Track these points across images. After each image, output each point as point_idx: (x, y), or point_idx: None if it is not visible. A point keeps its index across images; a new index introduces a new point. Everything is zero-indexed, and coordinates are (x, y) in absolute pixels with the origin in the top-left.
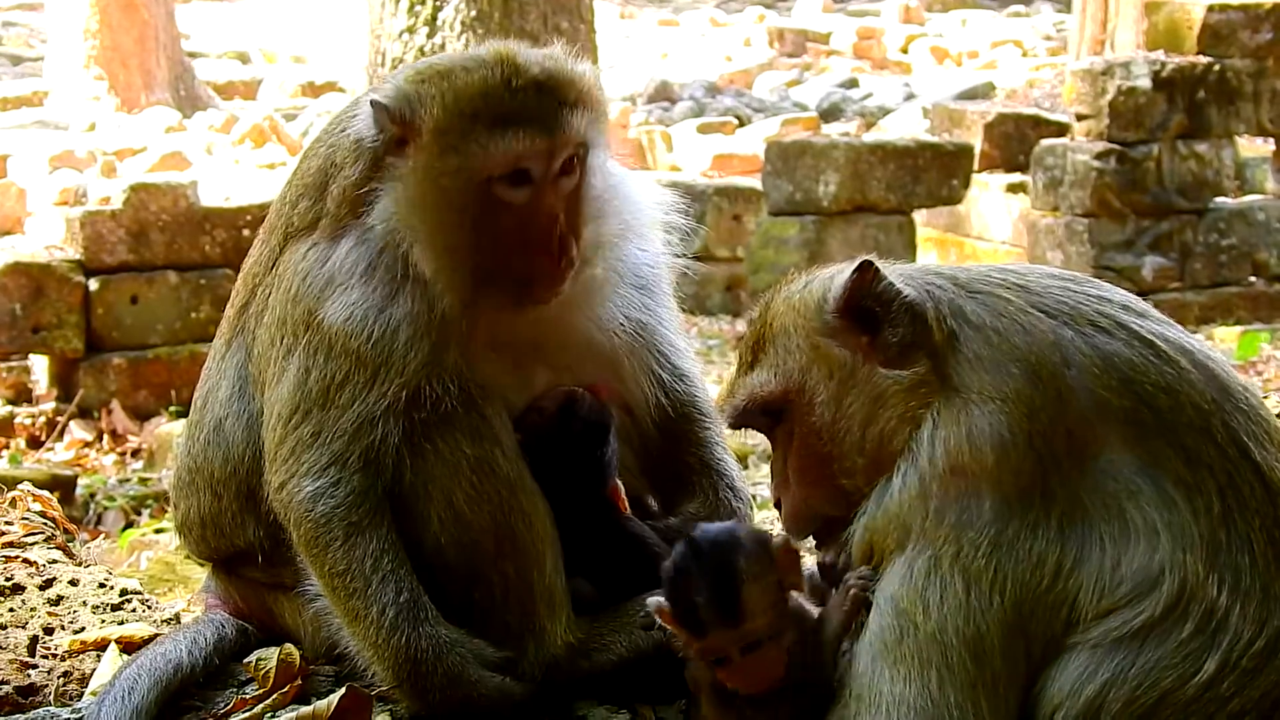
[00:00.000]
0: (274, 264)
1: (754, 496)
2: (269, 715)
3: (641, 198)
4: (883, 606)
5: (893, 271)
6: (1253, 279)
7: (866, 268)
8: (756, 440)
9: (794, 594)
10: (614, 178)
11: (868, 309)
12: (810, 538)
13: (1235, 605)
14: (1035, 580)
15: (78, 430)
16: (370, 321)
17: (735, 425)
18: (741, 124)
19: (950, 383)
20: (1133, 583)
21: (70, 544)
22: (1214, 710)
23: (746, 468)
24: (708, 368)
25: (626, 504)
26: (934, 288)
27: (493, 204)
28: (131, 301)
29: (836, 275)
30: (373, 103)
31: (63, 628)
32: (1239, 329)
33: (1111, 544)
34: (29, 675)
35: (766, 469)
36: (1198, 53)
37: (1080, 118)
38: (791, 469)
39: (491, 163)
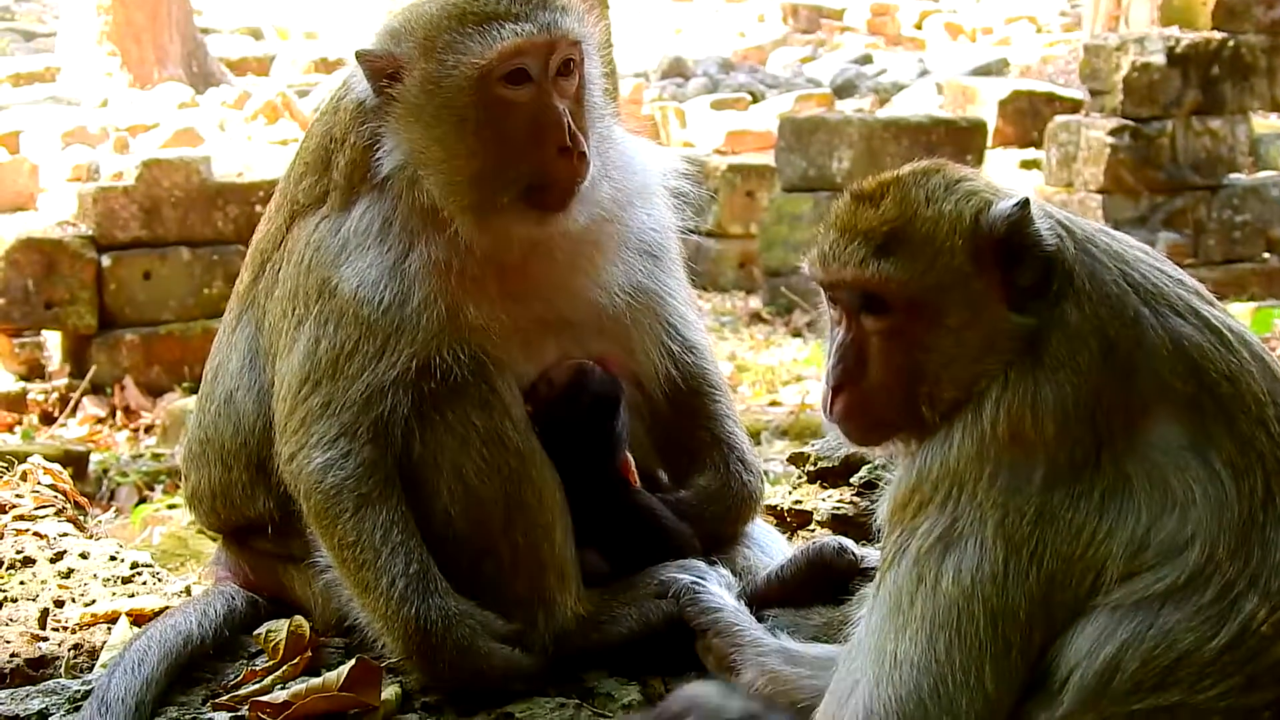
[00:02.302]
0: (282, 241)
1: (766, 473)
2: (279, 687)
3: (648, 163)
4: (906, 562)
5: (1037, 210)
6: (1266, 255)
7: (1027, 205)
8: (770, 417)
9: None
10: (621, 141)
11: (1016, 246)
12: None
13: (1261, 576)
14: (1070, 550)
15: (90, 406)
16: (383, 285)
17: (833, 286)
18: (755, 100)
19: (1032, 339)
20: (1159, 549)
21: (82, 518)
22: (1231, 672)
23: (759, 444)
24: (720, 344)
25: (636, 477)
26: (1061, 239)
27: (496, 106)
28: (144, 277)
29: (996, 202)
30: (356, 54)
31: (73, 600)
32: (1252, 305)
33: (1147, 512)
34: (40, 647)
35: (779, 445)
36: (1212, 29)
37: (1094, 94)
38: (875, 362)
39: (487, 56)
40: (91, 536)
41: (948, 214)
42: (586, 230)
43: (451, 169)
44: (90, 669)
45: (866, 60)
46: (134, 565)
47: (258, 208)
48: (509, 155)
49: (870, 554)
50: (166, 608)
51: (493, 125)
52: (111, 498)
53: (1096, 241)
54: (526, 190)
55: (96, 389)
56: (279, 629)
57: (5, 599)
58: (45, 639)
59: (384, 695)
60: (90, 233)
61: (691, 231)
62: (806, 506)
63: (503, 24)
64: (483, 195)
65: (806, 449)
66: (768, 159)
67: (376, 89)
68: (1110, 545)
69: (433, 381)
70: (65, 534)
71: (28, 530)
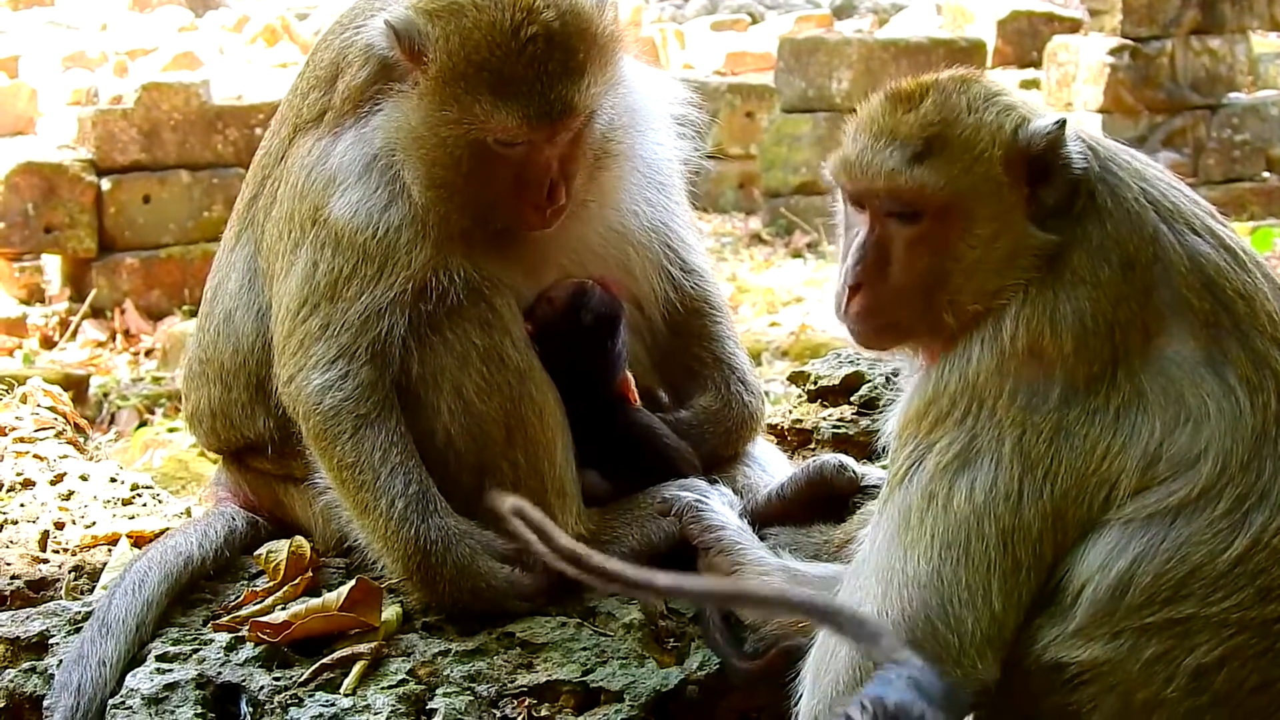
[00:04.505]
0: (283, 156)
1: (766, 393)
2: (279, 608)
3: (654, 94)
4: (919, 478)
5: (1070, 132)
6: (1266, 174)
7: (1064, 125)
8: (771, 337)
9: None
10: (626, 81)
11: (1048, 163)
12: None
13: (1272, 490)
14: (1084, 466)
15: (91, 330)
16: (375, 219)
17: (863, 195)
18: (754, 21)
19: (1053, 256)
20: (1172, 462)
21: (82, 440)
22: (1243, 584)
23: (760, 364)
24: (720, 265)
25: (636, 396)
26: (1088, 161)
27: (488, 156)
28: (144, 201)
29: (1035, 118)
30: (386, 23)
31: (74, 522)
32: (1252, 224)
33: (1161, 426)
34: (40, 569)
35: (780, 366)
36: None
37: (1093, 13)
38: (899, 265)
39: (490, 131)
40: (91, 459)
41: (989, 124)
42: (594, 164)
43: (438, 196)
44: (91, 591)
45: None
46: (134, 487)
47: (257, 131)
48: (490, 199)
49: (870, 471)
50: (167, 529)
51: (481, 171)
52: (112, 421)
53: (1119, 160)
54: (502, 222)
55: (96, 313)
56: (279, 550)
57: (5, 521)
58: (46, 561)
59: (384, 615)
60: (90, 156)
61: (696, 158)
62: (807, 425)
63: (518, 105)
64: (458, 219)
65: (807, 368)
66: (767, 80)
67: (392, 62)
68: (1124, 460)
69: (430, 302)
70: (65, 456)
71: (28, 453)
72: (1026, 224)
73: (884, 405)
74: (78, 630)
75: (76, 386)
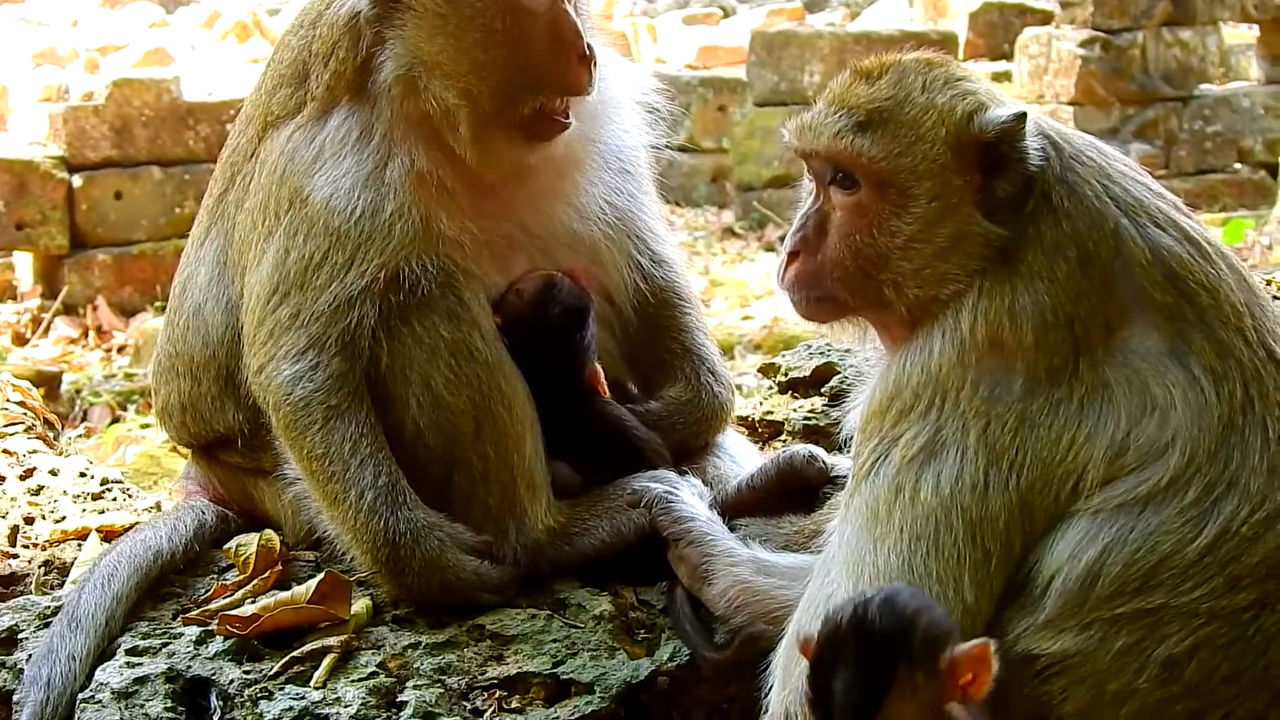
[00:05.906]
0: (254, 152)
1: (739, 386)
2: (249, 601)
3: (622, 80)
4: (886, 471)
5: (1032, 128)
6: (1237, 166)
7: (1023, 119)
8: (743, 331)
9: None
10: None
11: (1001, 154)
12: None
13: (1240, 479)
14: (1050, 456)
15: (63, 327)
16: (356, 194)
17: (808, 155)
18: (726, 15)
19: (1007, 252)
20: (1139, 452)
21: (52, 435)
22: (1213, 573)
23: (732, 358)
24: (693, 259)
25: (605, 388)
26: (1048, 160)
27: (520, 16)
28: (115, 197)
29: (994, 107)
30: None
31: (43, 517)
32: (1223, 216)
33: (1127, 416)
34: (10, 564)
35: (752, 359)
36: None
37: (1065, 5)
38: (835, 236)
39: None
40: (62, 454)
41: (939, 105)
42: (566, 148)
43: (474, 79)
44: (60, 585)
45: None
46: (104, 482)
47: (229, 127)
48: (532, 65)
49: (840, 462)
50: (136, 524)
51: (517, 36)
52: (84, 418)
53: (1082, 159)
54: (536, 104)
55: (69, 310)
56: (249, 543)
57: None
58: (15, 556)
59: (354, 608)
60: (61, 153)
61: (665, 148)
62: (777, 417)
63: None
64: (500, 106)
65: (777, 360)
66: (739, 73)
67: (382, 6)
68: (1090, 450)
69: (401, 293)
70: (35, 451)
71: None
72: (974, 212)
73: (852, 396)
74: (47, 625)
75: (49, 383)
